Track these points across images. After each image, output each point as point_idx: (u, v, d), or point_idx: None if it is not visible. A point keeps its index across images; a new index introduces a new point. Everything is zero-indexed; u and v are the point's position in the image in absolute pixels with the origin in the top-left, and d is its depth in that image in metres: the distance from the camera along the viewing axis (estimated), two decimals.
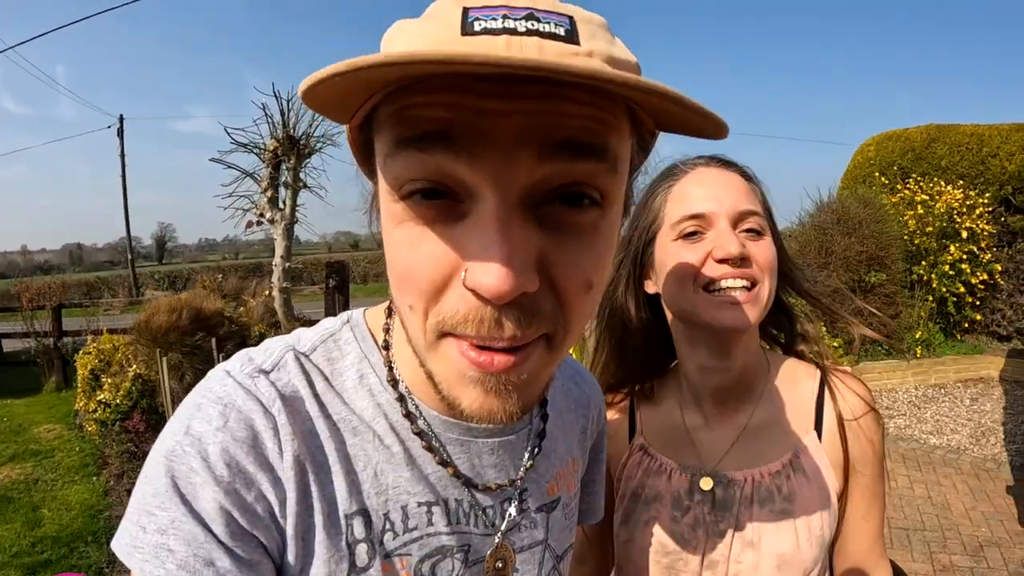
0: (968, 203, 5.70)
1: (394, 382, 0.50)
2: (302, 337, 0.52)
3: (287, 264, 5.77)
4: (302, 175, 5.64)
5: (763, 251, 0.73)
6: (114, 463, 4.12)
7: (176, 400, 4.47)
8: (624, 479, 0.84)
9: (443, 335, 0.39)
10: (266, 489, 0.45)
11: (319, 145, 5.60)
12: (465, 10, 0.36)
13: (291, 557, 0.46)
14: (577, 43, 0.36)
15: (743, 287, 0.72)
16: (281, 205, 5.63)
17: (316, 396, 0.48)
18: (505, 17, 0.35)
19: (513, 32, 0.35)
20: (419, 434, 0.49)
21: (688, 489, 0.78)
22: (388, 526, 0.48)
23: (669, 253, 0.76)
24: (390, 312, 0.52)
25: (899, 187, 6.24)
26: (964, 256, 5.69)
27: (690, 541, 0.77)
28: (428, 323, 0.39)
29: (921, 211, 5.81)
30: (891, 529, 3.22)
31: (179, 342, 4.93)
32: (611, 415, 0.86)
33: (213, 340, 4.83)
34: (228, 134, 5.09)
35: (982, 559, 2.94)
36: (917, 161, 6.36)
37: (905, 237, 5.79)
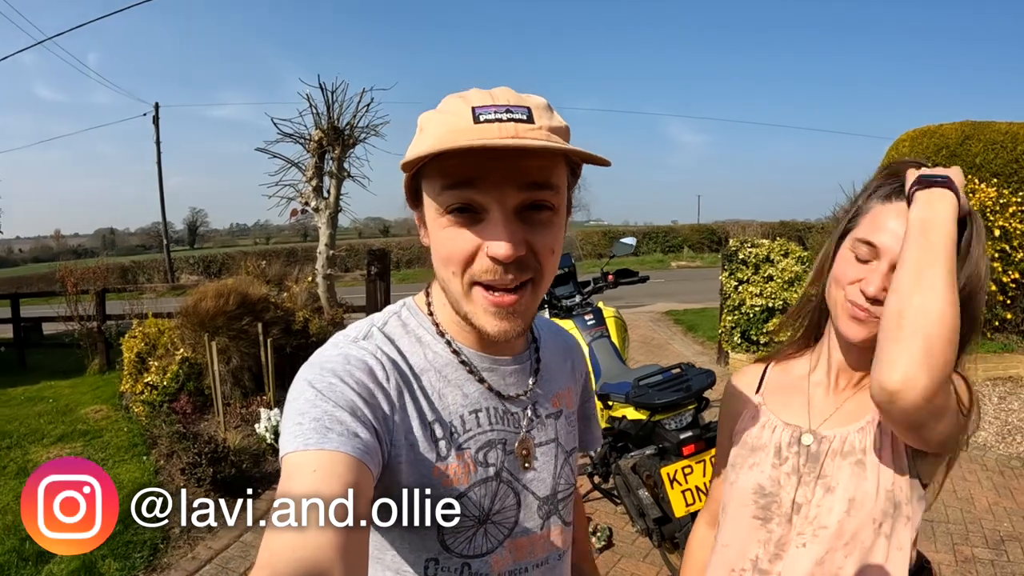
0: (1001, 201, 5.70)
1: (441, 334, 0.76)
2: (376, 317, 0.77)
3: (331, 252, 5.88)
4: (346, 165, 5.74)
5: None
6: (163, 443, 4.22)
7: (224, 382, 4.59)
8: (739, 430, 1.02)
9: (472, 285, 0.68)
10: (381, 399, 0.67)
11: (363, 136, 5.69)
12: (473, 108, 0.65)
13: (401, 447, 0.68)
14: (534, 123, 0.65)
15: (868, 315, 0.85)
16: (325, 194, 5.74)
17: (397, 350, 0.73)
18: (495, 111, 0.64)
19: (500, 120, 0.64)
20: (463, 363, 0.75)
21: (788, 442, 0.95)
22: (454, 429, 0.72)
23: (843, 256, 0.91)
24: (427, 293, 0.79)
25: None
26: (996, 255, 5.69)
27: (784, 486, 0.93)
28: (464, 279, 0.67)
29: None
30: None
31: (226, 326, 5.05)
32: (743, 378, 1.07)
33: (259, 325, 4.94)
34: (275, 125, 5.21)
35: (1003, 552, 3.03)
36: (951, 158, 6.35)
37: None
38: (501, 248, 0.64)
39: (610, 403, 2.71)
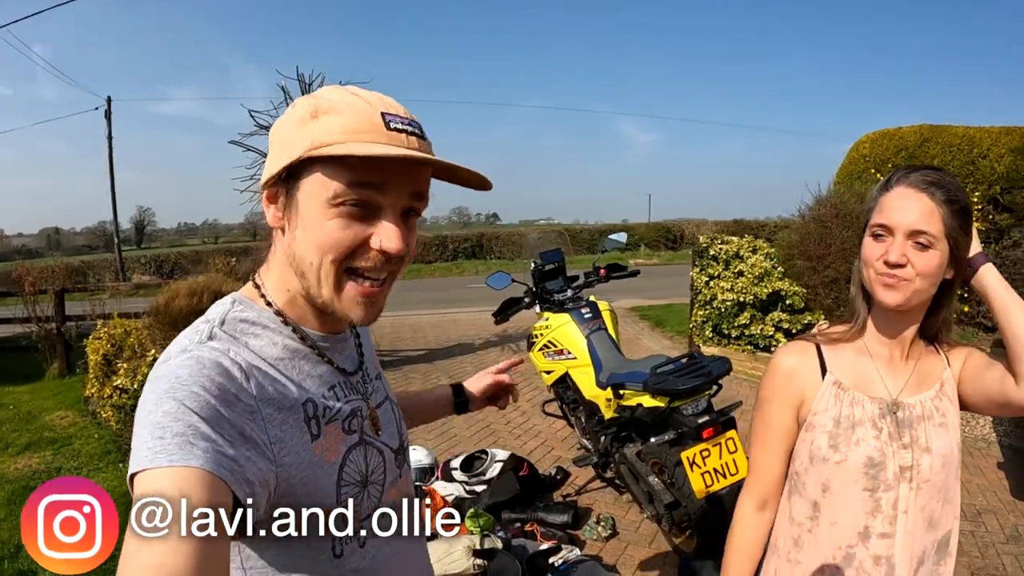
0: None
1: (285, 323, 0.77)
2: (211, 316, 0.75)
3: None
4: None
5: (924, 261, 0.99)
6: None
7: None
8: (821, 411, 1.08)
9: (345, 274, 0.71)
10: (245, 400, 0.66)
11: None
12: (382, 114, 0.70)
13: (275, 441, 0.68)
14: (425, 139, 0.73)
15: (896, 280, 1.00)
16: None
17: (245, 345, 0.72)
18: (401, 121, 0.71)
19: (406, 132, 0.71)
20: (311, 347, 0.78)
21: (880, 414, 1.06)
22: (318, 406, 0.75)
23: (866, 243, 1.06)
24: (256, 285, 0.80)
25: None
26: None
27: (887, 453, 1.04)
28: (339, 268, 0.71)
29: None
30: None
31: None
32: (800, 358, 1.13)
33: None
34: (252, 117, 5.04)
35: (981, 524, 3.21)
36: (910, 159, 6.64)
37: None
38: (395, 243, 0.70)
39: (622, 392, 2.73)
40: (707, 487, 2.37)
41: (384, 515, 0.81)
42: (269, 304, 0.77)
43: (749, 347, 5.89)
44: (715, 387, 2.51)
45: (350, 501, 0.75)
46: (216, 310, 0.76)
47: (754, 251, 6.20)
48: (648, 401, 2.56)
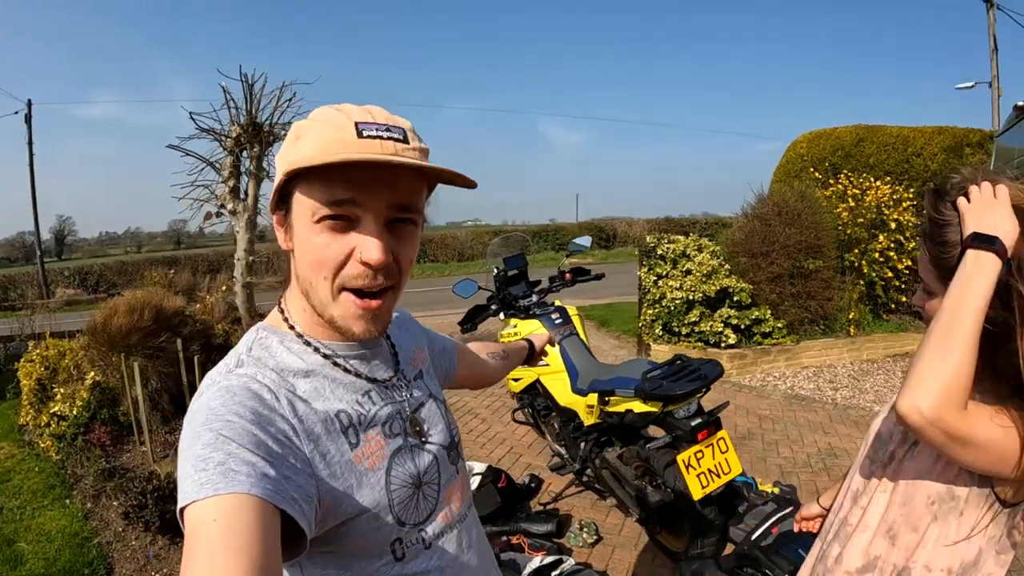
0: (895, 197, 6.30)
1: (307, 343, 0.78)
2: (239, 348, 0.77)
3: (251, 258, 5.47)
4: (264, 163, 5.36)
5: None
6: (87, 483, 3.67)
7: (143, 407, 4.13)
8: None
9: (341, 290, 0.71)
10: (279, 421, 0.67)
11: (283, 132, 5.32)
12: (356, 123, 0.69)
13: (313, 457, 0.69)
14: (408, 143, 0.71)
15: None
16: (243, 195, 5.32)
17: (272, 368, 0.73)
18: (376, 128, 0.69)
19: (381, 137, 0.69)
20: (335, 363, 0.78)
21: None
22: (354, 414, 0.76)
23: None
24: (281, 310, 0.81)
25: (831, 182, 6.80)
26: (892, 244, 6.30)
27: None
28: (334, 284, 0.71)
29: (852, 204, 6.38)
30: None
31: (141, 344, 4.57)
32: None
33: (179, 341, 4.50)
34: (193, 119, 4.77)
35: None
36: (846, 158, 6.95)
37: (839, 227, 6.33)
38: (374, 253, 0.69)
39: (607, 399, 2.70)
40: (703, 488, 2.37)
41: (447, 514, 0.83)
42: (292, 327, 0.78)
43: (700, 343, 6.01)
44: (706, 389, 2.51)
45: (403, 503, 0.76)
46: (243, 340, 0.78)
47: (700, 249, 6.33)
48: (639, 406, 2.53)
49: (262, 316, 5.15)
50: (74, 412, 4.21)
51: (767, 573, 2.10)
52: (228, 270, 7.05)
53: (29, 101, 18.90)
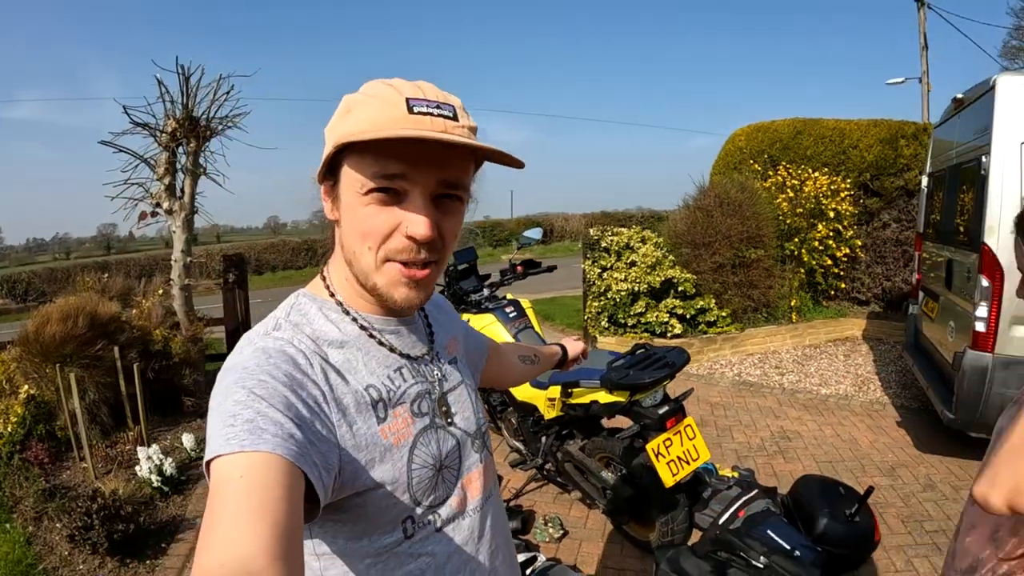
0: (832, 187, 6.56)
1: (346, 312, 0.79)
2: (277, 311, 0.79)
3: (188, 259, 5.20)
4: (201, 159, 5.10)
5: None
6: (27, 504, 3.40)
7: (82, 420, 3.87)
8: None
9: (385, 261, 0.73)
10: (311, 387, 0.68)
11: (221, 127, 5.08)
12: (407, 99, 0.69)
13: (340, 425, 0.70)
14: (458, 120, 0.71)
15: None
16: (179, 193, 5.05)
17: (308, 335, 0.74)
18: (427, 104, 0.70)
19: (431, 114, 0.69)
20: (371, 336, 0.79)
21: None
22: (385, 389, 0.77)
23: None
24: (323, 277, 0.82)
25: (770, 173, 7.02)
26: (830, 233, 6.56)
27: None
28: (378, 254, 0.72)
29: (792, 195, 6.61)
30: (818, 464, 3.76)
31: (77, 353, 4.26)
32: None
33: (116, 349, 4.24)
34: (127, 113, 4.48)
35: (897, 477, 3.55)
36: (784, 151, 7.17)
37: (779, 217, 6.55)
38: (420, 228, 0.70)
39: (570, 391, 2.69)
40: (673, 475, 2.39)
41: (463, 500, 0.84)
42: (332, 295, 0.80)
43: (646, 334, 6.11)
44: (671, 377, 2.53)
45: (421, 483, 0.77)
46: (283, 304, 0.80)
47: (643, 241, 6.43)
48: (604, 397, 2.53)
49: (202, 320, 4.88)
50: (8, 429, 3.91)
51: (741, 555, 2.13)
52: (162, 273, 6.70)
53: None
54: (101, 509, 2.83)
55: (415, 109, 0.69)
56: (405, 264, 0.73)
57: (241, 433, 0.58)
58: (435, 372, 0.86)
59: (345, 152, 0.72)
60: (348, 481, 0.70)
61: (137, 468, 3.58)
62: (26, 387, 4.08)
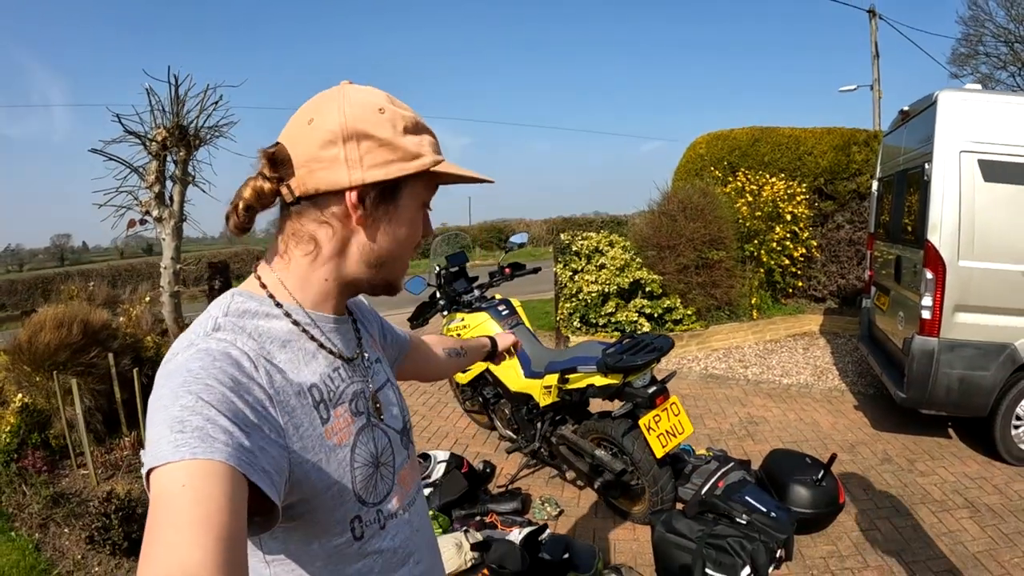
0: (789, 192, 6.99)
1: (285, 311, 0.79)
2: (212, 310, 0.77)
3: (178, 266, 5.29)
4: (190, 168, 5.21)
5: None
6: (33, 511, 3.46)
7: (74, 427, 3.94)
8: None
9: None
10: (256, 391, 0.68)
11: (209, 136, 5.20)
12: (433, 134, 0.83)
13: (287, 428, 0.71)
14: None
15: None
16: (168, 202, 5.14)
17: (248, 334, 0.73)
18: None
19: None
20: (305, 333, 0.80)
21: None
22: (324, 389, 0.78)
23: None
24: (258, 276, 0.82)
25: (730, 179, 7.43)
26: (788, 235, 6.98)
27: None
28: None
29: (751, 199, 7.02)
30: (784, 444, 4.09)
31: (71, 361, 4.33)
32: None
33: (110, 356, 4.32)
34: (120, 122, 4.55)
35: (857, 453, 3.93)
36: (743, 157, 7.60)
37: (739, 220, 6.94)
38: (431, 228, 0.88)
39: (567, 377, 2.95)
40: (663, 447, 2.68)
41: (401, 496, 0.87)
42: (271, 296, 0.80)
43: (616, 333, 6.38)
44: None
45: (363, 482, 0.80)
46: (218, 303, 0.78)
47: (611, 245, 6.72)
48: (599, 380, 2.81)
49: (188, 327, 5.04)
50: (2, 439, 3.94)
51: (726, 516, 2.42)
52: (124, 284, 6.71)
53: None
54: (119, 510, 2.94)
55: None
56: None
57: (192, 440, 0.58)
58: (367, 371, 0.89)
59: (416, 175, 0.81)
60: (297, 484, 0.71)
61: (143, 470, 3.66)
62: (20, 396, 4.11)
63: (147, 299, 5.57)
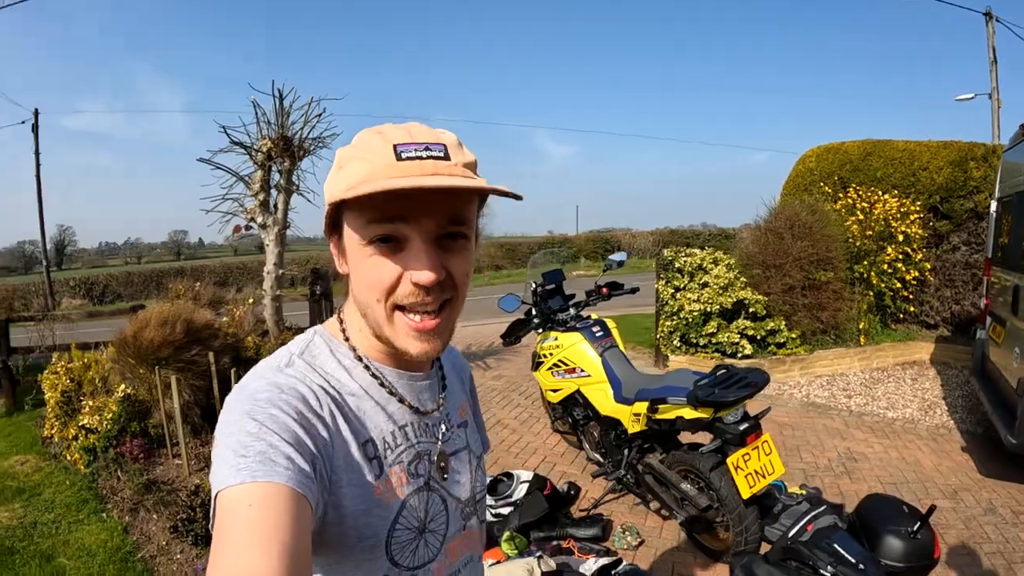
0: (902, 210, 6.47)
1: (359, 358, 0.78)
2: (292, 346, 0.78)
3: (280, 271, 5.55)
4: (294, 178, 5.46)
5: None
6: (125, 495, 3.68)
7: (171, 419, 4.17)
8: None
9: (394, 310, 0.71)
10: (319, 427, 0.68)
11: (312, 147, 5.43)
12: (394, 145, 0.68)
13: (341, 472, 0.70)
14: (450, 159, 0.70)
15: None
16: (272, 209, 5.41)
17: (321, 375, 0.74)
18: (415, 148, 0.68)
19: (420, 157, 0.68)
20: (382, 385, 0.78)
21: None
22: (386, 445, 0.76)
23: None
24: (340, 320, 0.81)
25: (840, 195, 6.96)
26: (900, 256, 6.46)
27: None
28: (387, 304, 0.71)
29: (861, 217, 6.54)
30: (882, 484, 3.74)
31: (173, 357, 4.60)
32: None
33: (211, 354, 4.56)
34: (226, 133, 4.85)
35: (959, 501, 3.52)
36: (855, 172, 7.11)
37: (849, 240, 6.48)
38: (424, 276, 0.68)
39: (657, 407, 2.82)
40: (751, 488, 2.49)
41: (443, 566, 0.82)
42: (347, 339, 0.80)
43: (717, 354, 6.12)
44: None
45: (400, 544, 0.76)
46: (299, 340, 0.80)
47: (716, 263, 6.46)
48: (689, 413, 2.66)
49: (290, 329, 5.17)
50: (104, 425, 4.23)
51: (810, 565, 2.21)
52: (235, 281, 7.08)
53: (36, 110, 18.50)
54: (204, 504, 3.05)
55: (403, 155, 0.68)
56: (413, 312, 0.72)
57: (253, 464, 0.59)
58: (441, 430, 0.84)
59: (343, 208, 0.72)
60: (328, 526, 0.70)
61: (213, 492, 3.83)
62: (123, 387, 4.40)
63: (250, 301, 5.86)
